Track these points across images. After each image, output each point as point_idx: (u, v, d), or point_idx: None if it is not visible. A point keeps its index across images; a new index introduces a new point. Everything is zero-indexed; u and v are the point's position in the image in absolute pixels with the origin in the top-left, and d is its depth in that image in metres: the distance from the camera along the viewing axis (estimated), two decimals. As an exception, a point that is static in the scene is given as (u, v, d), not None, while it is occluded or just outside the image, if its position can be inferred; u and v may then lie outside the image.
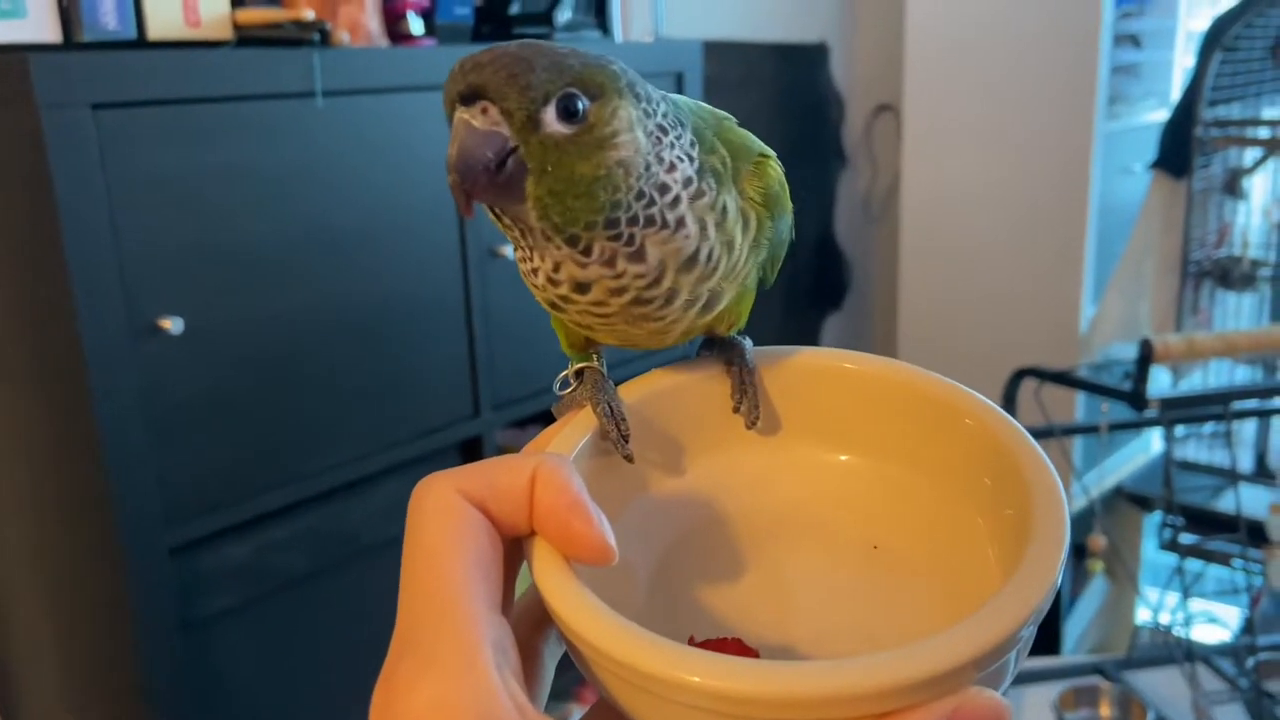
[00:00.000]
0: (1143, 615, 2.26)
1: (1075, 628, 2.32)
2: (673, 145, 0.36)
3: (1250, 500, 1.71)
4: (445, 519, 0.30)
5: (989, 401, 0.37)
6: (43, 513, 1.31)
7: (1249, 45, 2.22)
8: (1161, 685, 1.42)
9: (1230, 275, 2.28)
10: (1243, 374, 2.34)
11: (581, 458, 0.36)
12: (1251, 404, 1.81)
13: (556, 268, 0.36)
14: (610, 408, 0.38)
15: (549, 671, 0.35)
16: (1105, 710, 1.43)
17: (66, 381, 1.17)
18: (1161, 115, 2.60)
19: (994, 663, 0.28)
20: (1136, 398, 1.59)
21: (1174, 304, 2.28)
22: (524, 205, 0.34)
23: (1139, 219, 2.35)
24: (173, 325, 1.19)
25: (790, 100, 2.68)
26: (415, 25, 1.48)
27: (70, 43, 1.20)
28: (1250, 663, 1.39)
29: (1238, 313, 2.36)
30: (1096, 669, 1.48)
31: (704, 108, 0.40)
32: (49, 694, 1.41)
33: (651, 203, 0.35)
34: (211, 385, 1.26)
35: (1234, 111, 2.27)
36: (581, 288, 0.36)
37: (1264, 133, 2.28)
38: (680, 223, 0.36)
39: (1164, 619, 1.53)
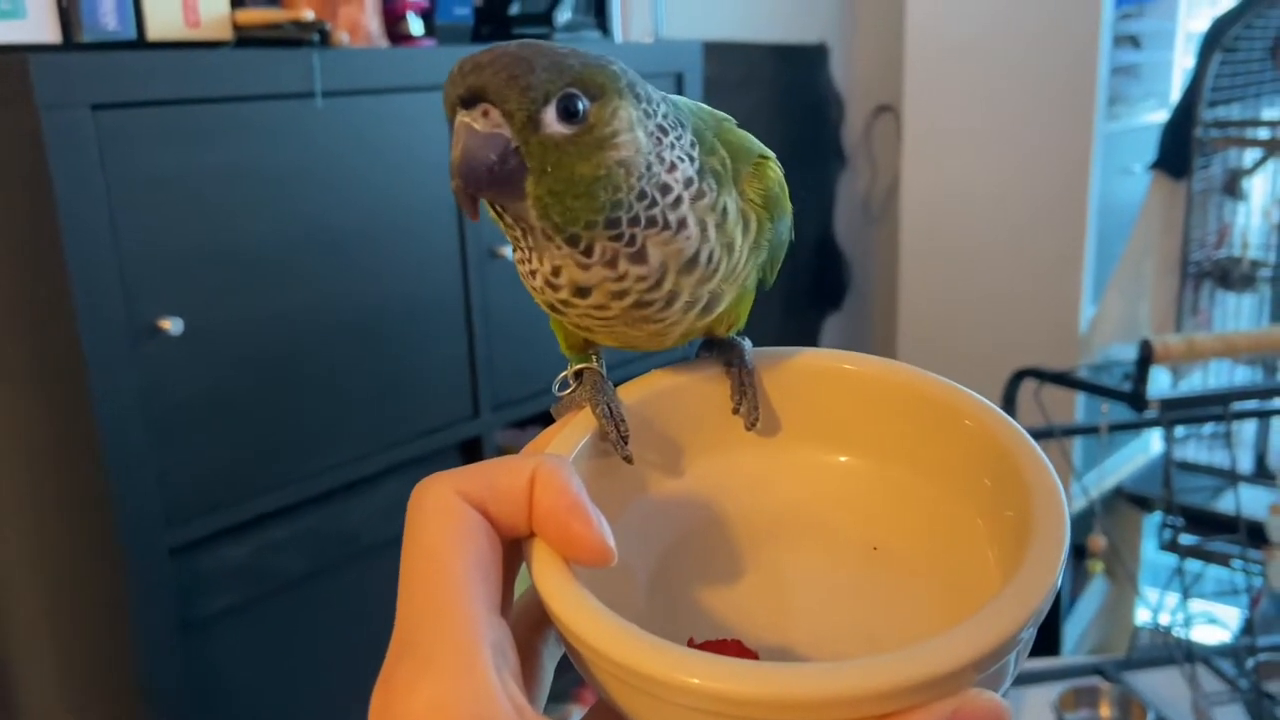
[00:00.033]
0: (1142, 616, 2.26)
1: (1075, 628, 2.32)
2: (673, 146, 0.36)
3: (1250, 501, 1.71)
4: (444, 520, 0.30)
5: (989, 403, 0.37)
6: (43, 513, 1.31)
7: (1248, 46, 2.22)
8: (1161, 686, 1.42)
9: (1230, 276, 2.28)
10: (1242, 374, 2.34)
11: (581, 459, 0.36)
12: (1251, 405, 1.81)
13: (556, 271, 0.36)
14: (609, 409, 0.37)
15: (548, 673, 0.35)
16: (1105, 711, 1.43)
17: (66, 382, 1.17)
18: (1161, 116, 2.60)
19: (994, 664, 0.28)
20: (1136, 398, 1.59)
21: (1174, 305, 2.28)
22: (525, 204, 0.34)
23: (1139, 220, 2.35)
24: (172, 326, 1.19)
25: (790, 101, 2.68)
26: (415, 26, 1.48)
27: (70, 43, 1.20)
28: (1250, 663, 1.39)
29: (1237, 313, 2.36)
30: (1096, 670, 1.47)
31: (704, 109, 0.40)
32: (49, 694, 1.41)
33: (653, 203, 0.35)
34: (211, 386, 1.26)
35: (1233, 112, 2.27)
36: (582, 291, 0.36)
37: (1263, 133, 2.28)
38: (682, 224, 0.35)
39: (1164, 620, 1.52)
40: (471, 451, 1.61)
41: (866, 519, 0.38)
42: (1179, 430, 1.89)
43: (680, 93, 1.82)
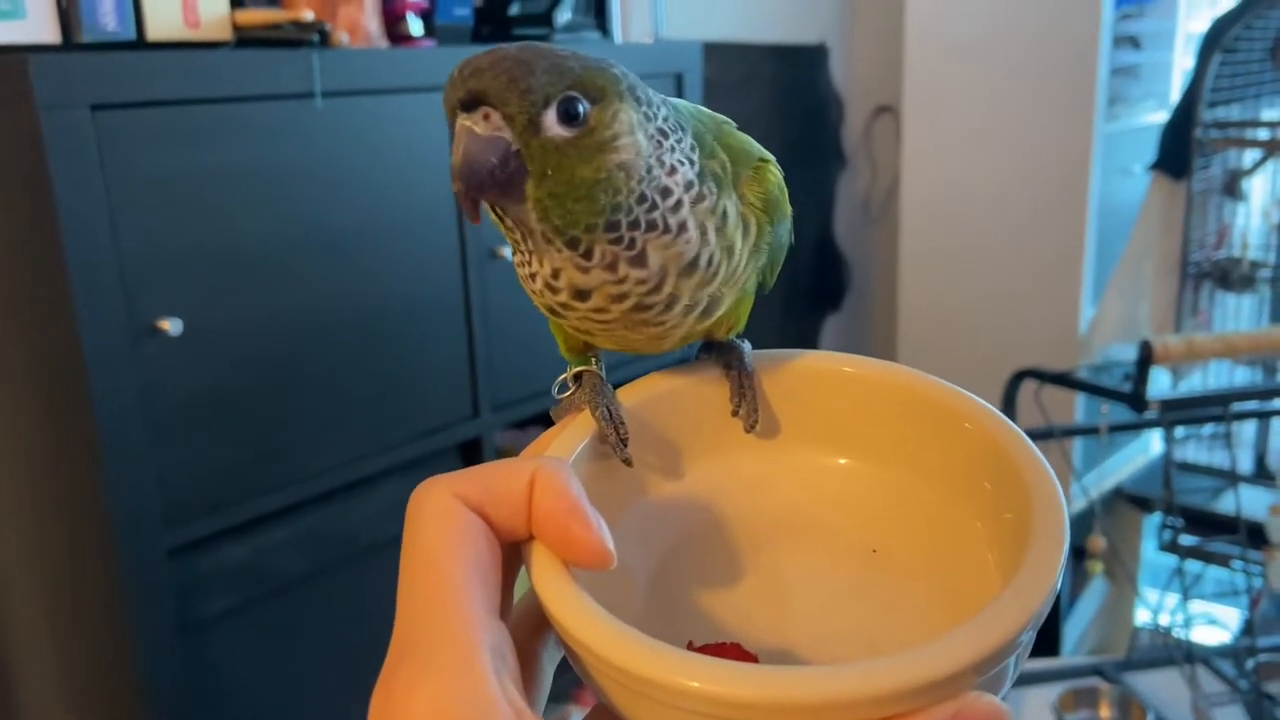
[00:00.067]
0: (1142, 617, 2.26)
1: (1075, 629, 2.32)
2: (673, 149, 0.36)
3: (1250, 502, 1.71)
4: (443, 523, 0.30)
5: (988, 405, 0.37)
6: (42, 513, 1.31)
7: (1248, 47, 2.22)
8: (1161, 687, 1.42)
9: (1230, 276, 2.28)
10: (1242, 375, 2.34)
11: (580, 461, 0.36)
12: (1251, 405, 1.81)
13: (555, 274, 0.36)
14: (609, 411, 0.37)
15: (547, 676, 0.35)
16: (1105, 712, 1.43)
17: (66, 382, 1.17)
18: (1161, 117, 2.60)
19: (994, 667, 0.28)
20: (1136, 399, 1.59)
21: (1173, 305, 2.28)
22: (525, 207, 0.34)
23: (1138, 220, 2.35)
24: (172, 326, 1.19)
25: (790, 101, 2.68)
26: (415, 26, 1.48)
27: (69, 43, 1.20)
28: (1250, 664, 1.39)
29: (1237, 314, 2.36)
30: (1096, 670, 1.47)
31: (704, 112, 0.40)
32: (49, 694, 1.41)
33: (653, 206, 0.35)
34: (211, 386, 1.26)
35: (1233, 113, 2.27)
36: (581, 294, 0.36)
37: (1263, 134, 2.28)
38: (682, 227, 0.35)
39: (1164, 620, 1.52)
40: (471, 452, 1.61)
41: (866, 522, 0.38)
42: (1179, 431, 1.89)
43: (680, 93, 1.83)
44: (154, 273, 1.19)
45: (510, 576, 0.33)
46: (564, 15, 1.69)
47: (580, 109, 0.33)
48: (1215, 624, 1.67)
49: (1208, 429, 2.23)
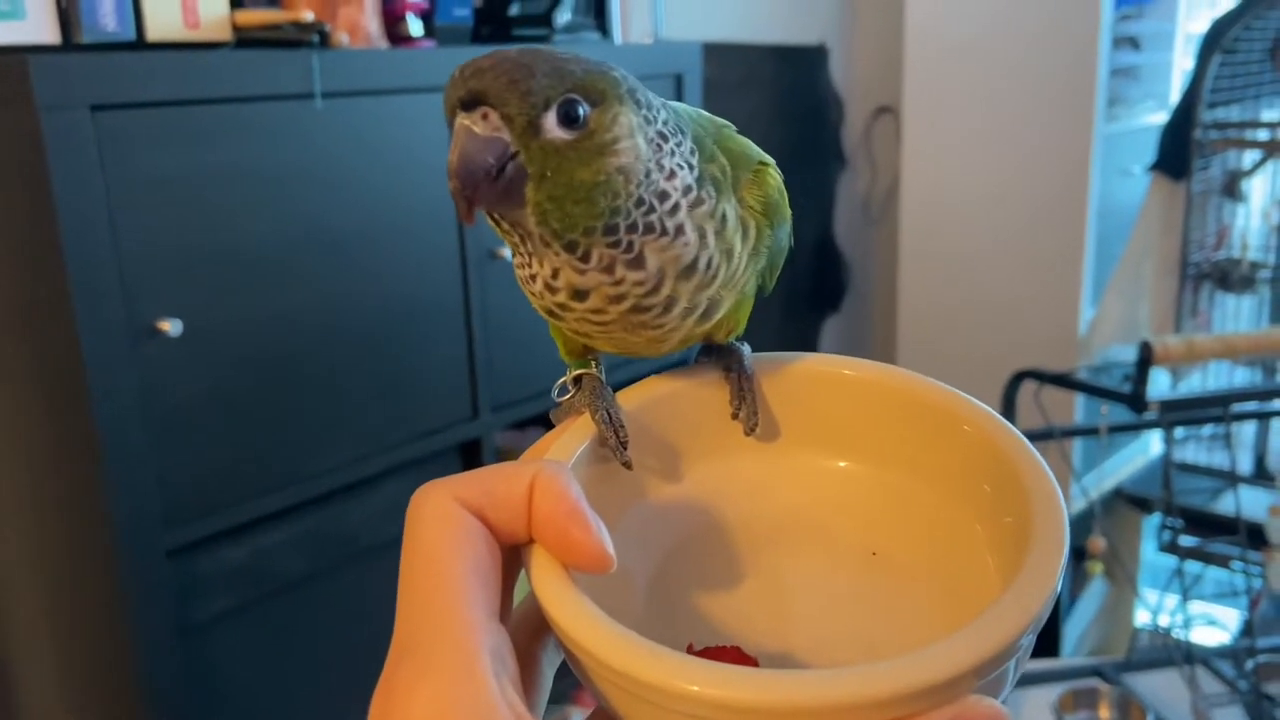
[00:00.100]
0: (1142, 617, 2.26)
1: (1074, 630, 2.32)
2: (673, 153, 0.36)
3: (1249, 502, 1.71)
4: (443, 527, 0.30)
5: (988, 408, 0.37)
6: (42, 513, 1.31)
7: (1248, 48, 2.22)
8: (1161, 688, 1.42)
9: (1229, 277, 2.28)
10: (1242, 376, 2.34)
11: (580, 465, 0.36)
12: (1251, 406, 1.81)
13: (555, 274, 0.36)
14: (608, 414, 0.37)
15: (547, 679, 0.35)
16: (1104, 712, 1.43)
17: (65, 383, 1.17)
18: (1160, 117, 2.61)
19: (994, 671, 0.28)
20: (1136, 400, 1.59)
21: (1173, 306, 2.28)
22: (524, 210, 0.34)
23: (1138, 221, 2.35)
24: (172, 327, 1.19)
25: (790, 102, 2.68)
26: (414, 27, 1.48)
27: (69, 44, 1.20)
28: (1250, 665, 1.39)
29: (1237, 315, 2.36)
30: (1096, 671, 1.47)
31: (704, 115, 0.40)
32: (48, 694, 1.41)
33: (651, 210, 0.35)
34: (210, 387, 1.26)
35: (1233, 114, 2.27)
36: (579, 295, 0.36)
37: (1263, 135, 2.28)
38: (679, 230, 0.35)
39: (1163, 621, 1.53)
40: (471, 453, 1.61)
41: (866, 524, 0.38)
42: (1178, 432, 1.89)
43: (679, 94, 1.83)
44: (154, 273, 1.19)
45: (510, 580, 0.33)
46: (564, 16, 1.69)
47: (580, 112, 0.33)
48: (1215, 625, 1.67)
49: (1207, 430, 2.23)
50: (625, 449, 0.37)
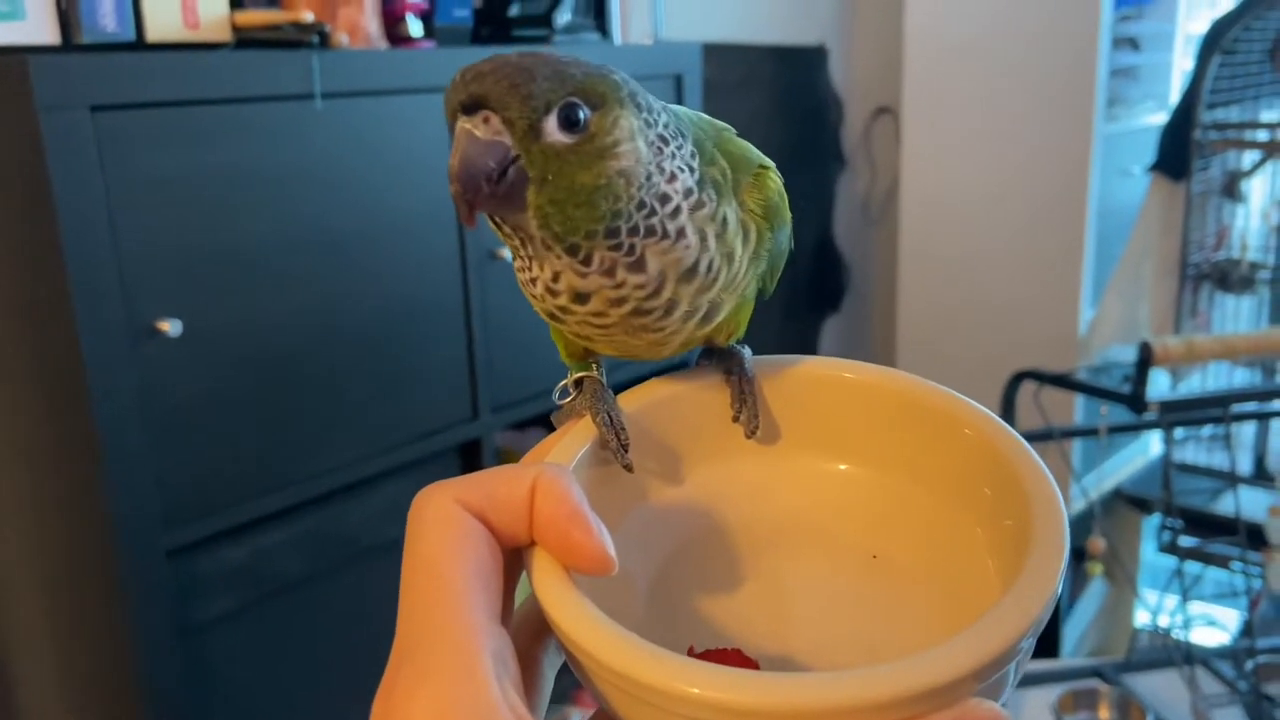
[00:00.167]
0: (1142, 618, 2.26)
1: (1074, 630, 2.32)
2: (673, 156, 0.36)
3: (1249, 503, 1.71)
4: (445, 529, 0.30)
5: (988, 412, 0.37)
6: (41, 514, 1.31)
7: (1247, 48, 2.22)
8: (1160, 688, 1.42)
9: (1229, 278, 2.28)
10: (1241, 376, 2.34)
11: (581, 467, 0.36)
12: (1250, 406, 1.81)
13: (556, 277, 0.36)
14: (610, 417, 0.38)
15: (548, 682, 0.35)
16: (1104, 713, 1.43)
17: (65, 383, 1.17)
18: (1160, 118, 2.61)
19: (994, 674, 0.28)
20: (1136, 400, 1.59)
21: (1173, 306, 2.28)
22: (525, 214, 0.34)
23: (1138, 221, 2.35)
24: (171, 327, 1.19)
25: (789, 102, 2.68)
26: (414, 27, 1.48)
27: (69, 44, 1.20)
28: (1249, 666, 1.39)
29: (1236, 315, 2.36)
30: (1095, 672, 1.48)
31: (704, 118, 0.40)
32: (48, 694, 1.41)
33: (652, 213, 0.35)
34: (210, 387, 1.26)
35: (1232, 114, 2.27)
36: (581, 298, 0.36)
37: (1262, 135, 2.28)
38: (680, 233, 0.36)
39: (1163, 622, 1.53)
40: (471, 454, 1.61)
41: (866, 527, 0.38)
42: (1178, 432, 1.89)
43: (679, 94, 1.83)
44: (154, 273, 1.19)
45: (511, 582, 0.33)
46: (563, 16, 1.69)
47: (581, 115, 0.33)
48: (1214, 625, 1.67)
49: (1207, 430, 2.23)
50: (626, 452, 0.37)
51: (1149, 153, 2.37)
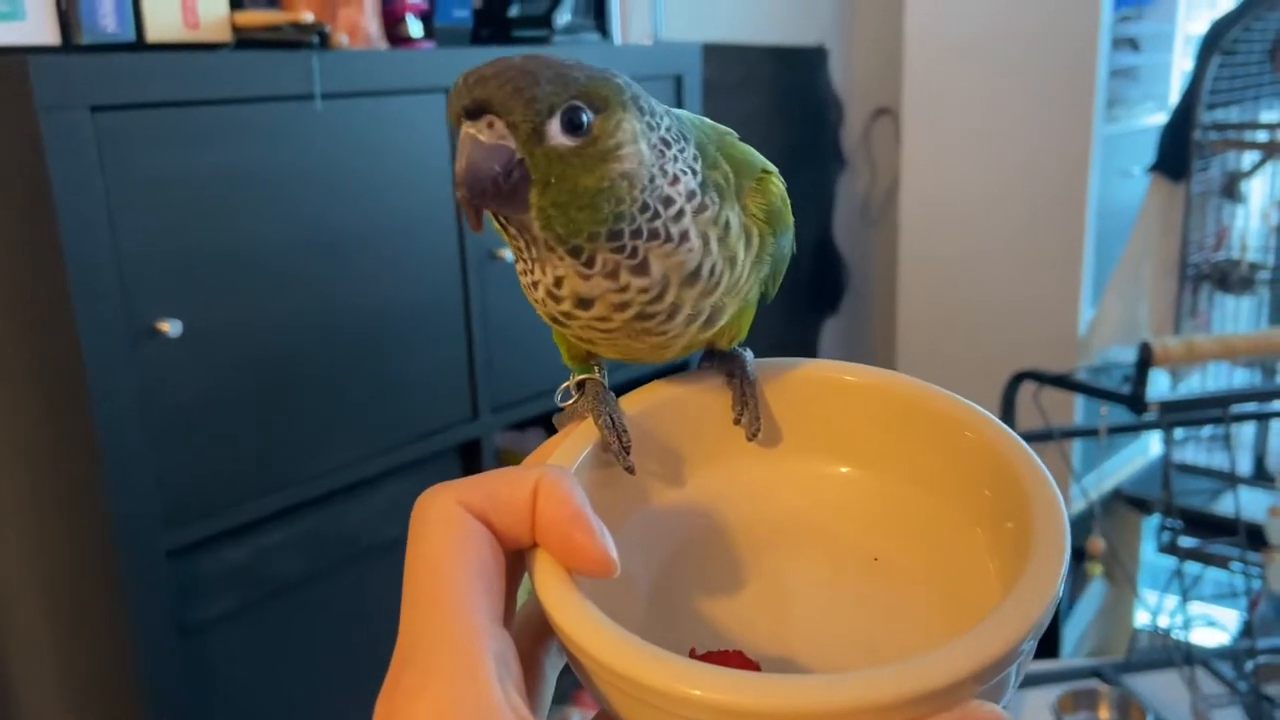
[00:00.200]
0: (1141, 618, 2.27)
1: (1074, 630, 2.32)
2: (676, 158, 0.36)
3: (1249, 503, 1.71)
4: (447, 531, 0.30)
5: (989, 414, 0.37)
6: (41, 514, 1.31)
7: (1247, 49, 2.22)
8: (1160, 688, 1.42)
9: (1229, 278, 2.28)
10: (1241, 377, 2.34)
11: (583, 469, 0.36)
12: (1250, 407, 1.81)
13: (558, 282, 0.36)
14: (612, 420, 0.38)
15: (550, 683, 0.35)
16: (1104, 713, 1.43)
17: (65, 383, 1.17)
18: (1160, 118, 2.61)
19: (995, 676, 0.28)
20: (1135, 401, 1.59)
21: (1173, 307, 2.28)
22: (528, 215, 0.34)
23: (1137, 222, 2.35)
24: (171, 328, 1.19)
25: (789, 103, 2.68)
26: (414, 28, 1.48)
27: (69, 45, 1.20)
28: (1249, 666, 1.39)
29: (1236, 316, 2.36)
30: (1095, 672, 1.48)
31: (706, 122, 0.40)
32: (48, 694, 1.41)
33: (655, 215, 0.35)
34: (210, 388, 1.26)
35: (1232, 115, 2.27)
36: (584, 303, 0.36)
37: (1262, 136, 2.28)
38: (684, 236, 0.36)
39: (1163, 622, 1.53)
40: (470, 454, 1.61)
41: (867, 529, 0.38)
42: (1178, 432, 1.89)
43: (679, 95, 1.83)
44: (153, 274, 1.19)
45: (513, 584, 0.33)
46: (563, 17, 1.69)
47: (584, 118, 0.33)
48: (1214, 626, 1.67)
49: (1207, 431, 2.23)
50: (628, 454, 0.37)
51: (1149, 153, 2.37)
